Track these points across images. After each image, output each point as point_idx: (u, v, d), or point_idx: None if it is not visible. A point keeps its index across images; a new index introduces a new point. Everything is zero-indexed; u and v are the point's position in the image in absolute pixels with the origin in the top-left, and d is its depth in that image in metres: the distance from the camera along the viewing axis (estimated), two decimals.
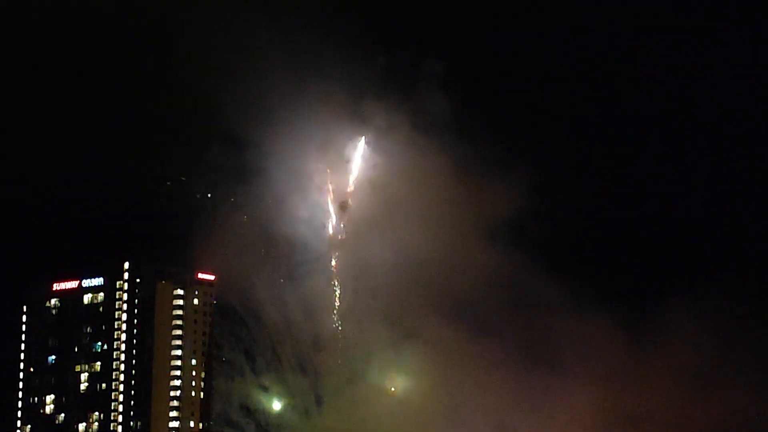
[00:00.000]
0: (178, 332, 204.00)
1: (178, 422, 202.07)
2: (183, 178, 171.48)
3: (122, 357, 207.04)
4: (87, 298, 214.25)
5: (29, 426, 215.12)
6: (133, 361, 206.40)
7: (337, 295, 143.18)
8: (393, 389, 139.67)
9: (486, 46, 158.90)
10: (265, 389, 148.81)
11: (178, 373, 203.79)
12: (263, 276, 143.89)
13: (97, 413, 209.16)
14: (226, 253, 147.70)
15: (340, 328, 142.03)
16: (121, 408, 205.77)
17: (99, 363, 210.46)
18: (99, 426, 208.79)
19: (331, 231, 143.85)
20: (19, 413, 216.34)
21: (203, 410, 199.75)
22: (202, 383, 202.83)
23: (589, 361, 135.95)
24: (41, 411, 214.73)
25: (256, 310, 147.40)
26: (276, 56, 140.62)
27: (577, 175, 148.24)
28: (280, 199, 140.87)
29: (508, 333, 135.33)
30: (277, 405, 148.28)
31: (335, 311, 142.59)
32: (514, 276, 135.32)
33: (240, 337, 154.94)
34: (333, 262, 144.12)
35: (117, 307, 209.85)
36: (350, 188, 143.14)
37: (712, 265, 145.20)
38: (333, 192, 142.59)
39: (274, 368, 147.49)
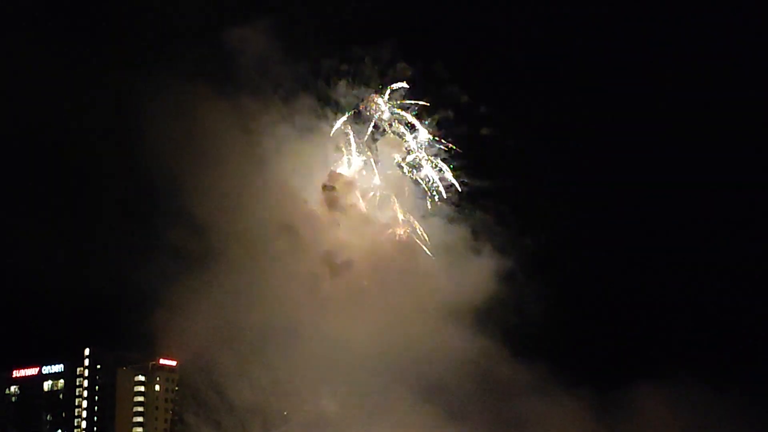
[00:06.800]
0: (140, 419, 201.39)
1: None
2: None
3: None
4: (47, 385, 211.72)
5: None
6: None
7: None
8: None
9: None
10: None
11: None
12: (230, 355, 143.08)
13: None
14: (189, 337, 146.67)
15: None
16: None
17: None
18: None
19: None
20: None
21: None
22: None
23: None
24: None
25: (222, 391, 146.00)
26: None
27: (543, 260, 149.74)
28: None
29: (477, 417, 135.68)
30: None
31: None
32: (483, 360, 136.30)
33: (206, 420, 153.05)
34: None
35: (77, 394, 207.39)
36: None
37: (680, 350, 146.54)
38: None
39: None
